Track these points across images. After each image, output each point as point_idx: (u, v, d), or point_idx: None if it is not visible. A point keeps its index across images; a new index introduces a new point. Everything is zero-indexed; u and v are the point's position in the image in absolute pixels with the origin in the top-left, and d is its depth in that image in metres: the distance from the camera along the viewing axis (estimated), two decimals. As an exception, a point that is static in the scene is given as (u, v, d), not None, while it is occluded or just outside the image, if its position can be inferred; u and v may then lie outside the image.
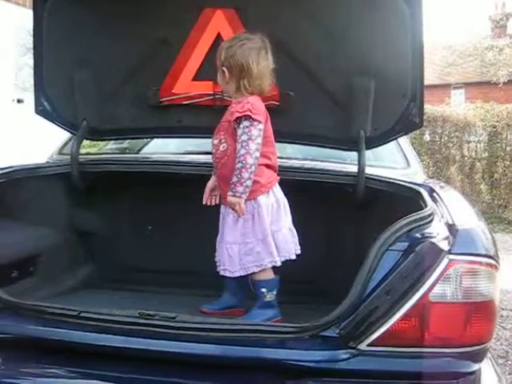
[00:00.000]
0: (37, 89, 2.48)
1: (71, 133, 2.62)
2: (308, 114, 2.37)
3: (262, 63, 2.05)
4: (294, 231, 2.13)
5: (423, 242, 1.60)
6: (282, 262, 2.07)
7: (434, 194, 2.03)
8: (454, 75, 22.15)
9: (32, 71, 2.51)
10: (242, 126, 1.99)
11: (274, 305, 2.05)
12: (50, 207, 2.42)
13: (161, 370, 1.57)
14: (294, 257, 2.09)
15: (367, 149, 2.29)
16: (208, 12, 2.35)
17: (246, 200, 2.02)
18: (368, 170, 2.27)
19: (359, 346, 1.54)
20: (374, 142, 2.33)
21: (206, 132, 2.28)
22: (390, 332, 1.53)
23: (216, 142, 2.12)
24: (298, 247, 2.12)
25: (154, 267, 2.54)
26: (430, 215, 1.73)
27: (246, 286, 2.11)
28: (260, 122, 1.99)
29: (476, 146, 9.45)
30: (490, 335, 1.63)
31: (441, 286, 1.53)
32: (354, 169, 2.28)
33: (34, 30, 2.44)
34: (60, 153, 2.99)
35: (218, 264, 2.10)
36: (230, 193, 1.99)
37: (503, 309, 4.26)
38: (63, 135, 3.00)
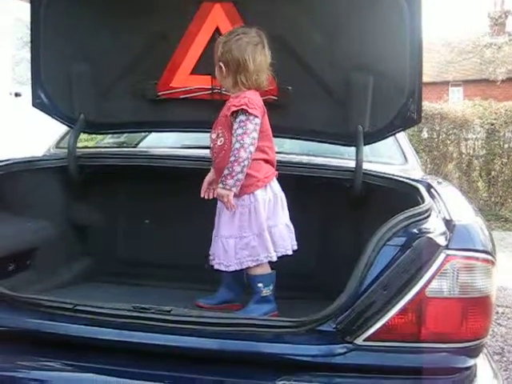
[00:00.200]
0: (34, 82, 2.47)
1: (68, 126, 2.61)
2: (306, 109, 2.37)
3: (259, 58, 2.05)
4: (291, 227, 2.13)
5: (420, 237, 1.60)
6: (279, 257, 2.07)
7: (432, 190, 2.03)
8: (453, 72, 22.13)
9: (29, 65, 2.50)
10: (238, 119, 1.99)
11: (270, 299, 2.05)
12: (47, 200, 2.41)
13: (156, 364, 1.57)
14: (290, 252, 2.09)
15: (365, 144, 2.29)
16: (206, 6, 2.34)
17: (243, 194, 2.02)
18: (365, 166, 2.27)
19: (356, 341, 1.54)
20: (372, 137, 2.33)
21: (204, 126, 2.28)
22: (386, 327, 1.53)
23: (214, 136, 2.12)
24: (295, 243, 2.13)
25: (150, 261, 2.54)
26: (427, 211, 1.73)
27: (242, 280, 2.11)
28: (256, 116, 1.99)
29: (474, 144, 9.44)
30: (486, 331, 1.63)
31: (437, 282, 1.53)
32: (352, 164, 2.28)
33: (31, 22, 2.43)
34: (57, 146, 2.99)
35: (211, 258, 2.10)
36: (220, 185, 1.99)
37: (499, 306, 4.27)
38: (61, 129, 3.00)
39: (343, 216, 2.42)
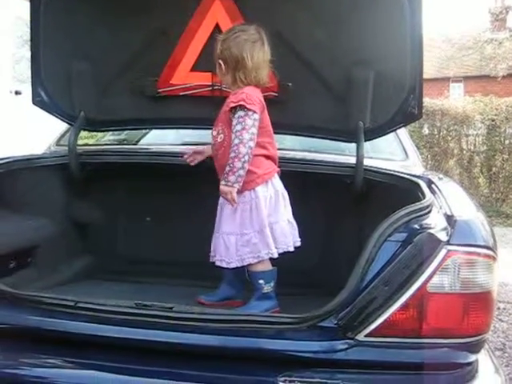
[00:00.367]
0: (34, 80, 2.47)
1: (68, 124, 2.60)
2: (307, 105, 2.36)
3: (257, 55, 2.05)
4: (294, 223, 2.12)
5: (421, 232, 1.60)
6: (280, 254, 2.07)
7: (433, 186, 2.02)
8: (453, 68, 22.12)
9: (29, 63, 2.50)
10: (236, 115, 1.99)
11: (271, 296, 2.05)
12: (47, 198, 2.41)
13: (158, 361, 1.57)
14: (291, 249, 2.09)
15: (366, 140, 2.29)
16: (206, 2, 2.33)
17: (244, 190, 2.02)
18: (366, 162, 2.26)
19: (357, 337, 1.54)
20: (373, 133, 2.33)
21: (205, 123, 2.28)
22: (387, 322, 1.53)
23: (215, 133, 2.12)
24: (298, 239, 2.12)
25: (152, 258, 2.54)
26: (428, 206, 1.73)
27: (244, 277, 2.11)
28: (255, 111, 1.99)
29: (475, 140, 9.44)
30: (488, 326, 1.63)
31: (439, 277, 1.53)
32: (353, 160, 2.27)
33: (31, 20, 2.42)
34: (57, 144, 2.99)
35: (212, 255, 2.10)
36: (222, 182, 1.99)
37: (500, 301, 4.27)
38: (61, 127, 3.00)
39: (344, 212, 2.41)
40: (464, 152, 9.41)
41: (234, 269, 2.09)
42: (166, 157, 2.44)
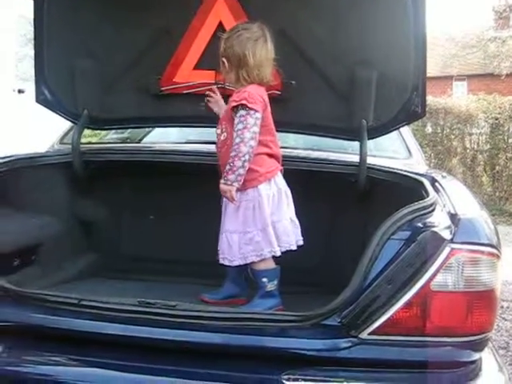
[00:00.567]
0: (37, 78, 2.47)
1: (72, 122, 2.61)
2: (310, 103, 2.36)
3: (259, 53, 2.04)
4: (297, 222, 2.12)
5: (425, 231, 1.60)
6: (283, 252, 2.07)
7: (436, 184, 2.02)
8: (457, 67, 22.07)
9: (33, 62, 2.50)
10: (238, 114, 2.00)
11: (275, 294, 2.05)
12: (51, 196, 2.42)
13: (161, 358, 1.57)
14: (294, 247, 2.09)
15: (369, 139, 2.28)
16: (210, 1, 2.33)
17: (247, 188, 2.02)
18: (369, 160, 2.26)
19: (361, 335, 1.54)
20: (376, 131, 2.32)
21: (208, 121, 2.28)
22: (391, 321, 1.53)
23: (218, 131, 2.13)
24: (301, 238, 2.12)
25: (155, 256, 2.54)
26: (431, 205, 1.72)
27: (247, 275, 2.11)
28: (256, 110, 1.99)
29: (478, 138, 9.43)
30: (491, 325, 1.63)
31: (442, 275, 1.53)
32: (356, 158, 2.27)
33: (34, 19, 2.43)
34: (61, 142, 2.99)
35: (219, 253, 2.11)
36: (222, 180, 1.99)
37: (504, 300, 4.26)
38: (64, 125, 3.00)
39: (347, 210, 2.41)
40: (467, 151, 9.41)
41: (237, 267, 2.09)
42: (169, 155, 2.44)
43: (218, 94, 2.29)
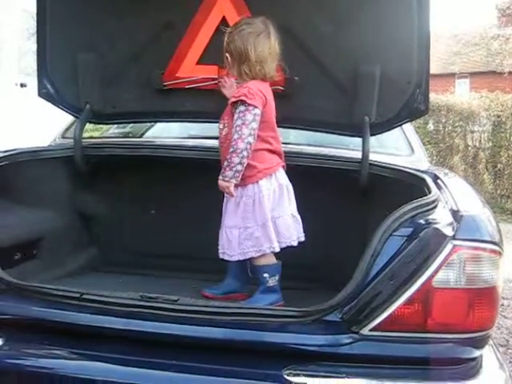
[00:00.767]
0: (40, 72, 2.47)
1: (74, 116, 2.61)
2: (313, 99, 2.35)
3: (260, 48, 2.04)
4: (299, 218, 2.12)
5: (427, 227, 1.59)
6: (285, 248, 2.07)
7: (439, 181, 2.02)
8: (459, 64, 22.02)
9: (35, 56, 2.50)
10: (237, 110, 2.00)
11: (276, 289, 2.06)
12: (53, 190, 2.42)
13: (162, 353, 1.58)
14: (295, 243, 2.09)
15: (372, 135, 2.28)
16: (213, -5, 2.33)
17: (247, 184, 2.02)
18: (372, 157, 2.26)
19: (362, 331, 1.54)
20: (379, 128, 2.32)
21: (210, 116, 2.28)
22: (392, 317, 1.53)
23: (221, 126, 2.13)
24: (302, 234, 2.12)
25: (157, 251, 2.54)
26: (434, 201, 1.72)
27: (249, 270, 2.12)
28: (255, 106, 1.99)
29: (480, 136, 9.41)
30: (493, 322, 1.62)
31: (444, 272, 1.52)
32: (358, 155, 2.27)
33: (37, 13, 2.43)
34: (63, 136, 2.99)
35: (219, 248, 2.11)
36: (220, 176, 2.00)
37: (504, 298, 4.26)
38: (66, 119, 3.00)
39: (349, 207, 2.41)
40: (469, 148, 9.39)
41: (238, 262, 2.09)
42: (171, 150, 2.44)
43: (233, 79, 2.25)
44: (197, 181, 2.36)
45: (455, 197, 1.81)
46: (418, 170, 2.17)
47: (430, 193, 1.80)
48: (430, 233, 1.57)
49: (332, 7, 2.27)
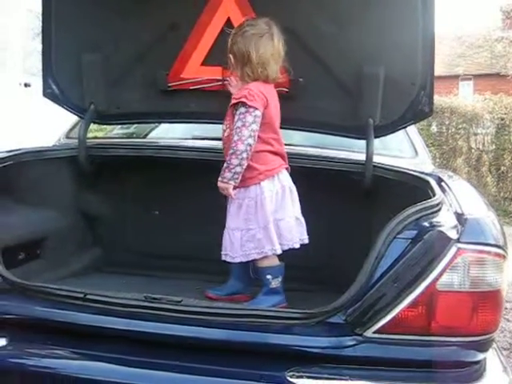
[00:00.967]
0: (45, 72, 2.48)
1: (78, 116, 2.61)
2: (317, 101, 2.35)
3: (262, 49, 2.04)
4: (303, 220, 2.12)
5: (431, 230, 1.59)
6: (288, 250, 2.06)
7: (443, 183, 2.02)
8: (463, 66, 21.99)
9: (40, 56, 2.50)
10: (238, 112, 2.00)
11: (279, 291, 2.06)
12: (57, 190, 2.42)
13: (165, 353, 1.58)
14: (297, 246, 2.09)
15: (376, 137, 2.27)
16: (218, -4, 2.33)
17: (249, 185, 2.02)
18: (375, 159, 2.26)
19: (365, 333, 1.54)
20: (383, 130, 2.32)
21: (214, 117, 2.28)
22: (396, 320, 1.53)
23: (224, 127, 2.13)
24: (306, 237, 2.12)
25: (160, 252, 2.54)
26: (438, 204, 1.72)
27: (252, 271, 2.11)
28: (256, 108, 1.99)
29: (483, 138, 9.40)
30: (496, 325, 1.62)
31: (448, 275, 1.52)
32: (361, 157, 2.26)
33: (42, 13, 2.43)
34: (67, 136, 2.99)
35: (222, 249, 2.11)
36: (219, 178, 2.00)
37: (508, 301, 4.24)
38: (71, 119, 3.00)
39: (353, 209, 2.41)
40: (472, 151, 9.38)
41: (241, 264, 2.09)
42: (175, 150, 2.44)
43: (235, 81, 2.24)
44: (201, 182, 2.36)
45: (459, 199, 1.80)
46: (422, 173, 2.17)
47: (434, 195, 1.80)
48: (434, 236, 1.57)
49: (336, 9, 2.27)
